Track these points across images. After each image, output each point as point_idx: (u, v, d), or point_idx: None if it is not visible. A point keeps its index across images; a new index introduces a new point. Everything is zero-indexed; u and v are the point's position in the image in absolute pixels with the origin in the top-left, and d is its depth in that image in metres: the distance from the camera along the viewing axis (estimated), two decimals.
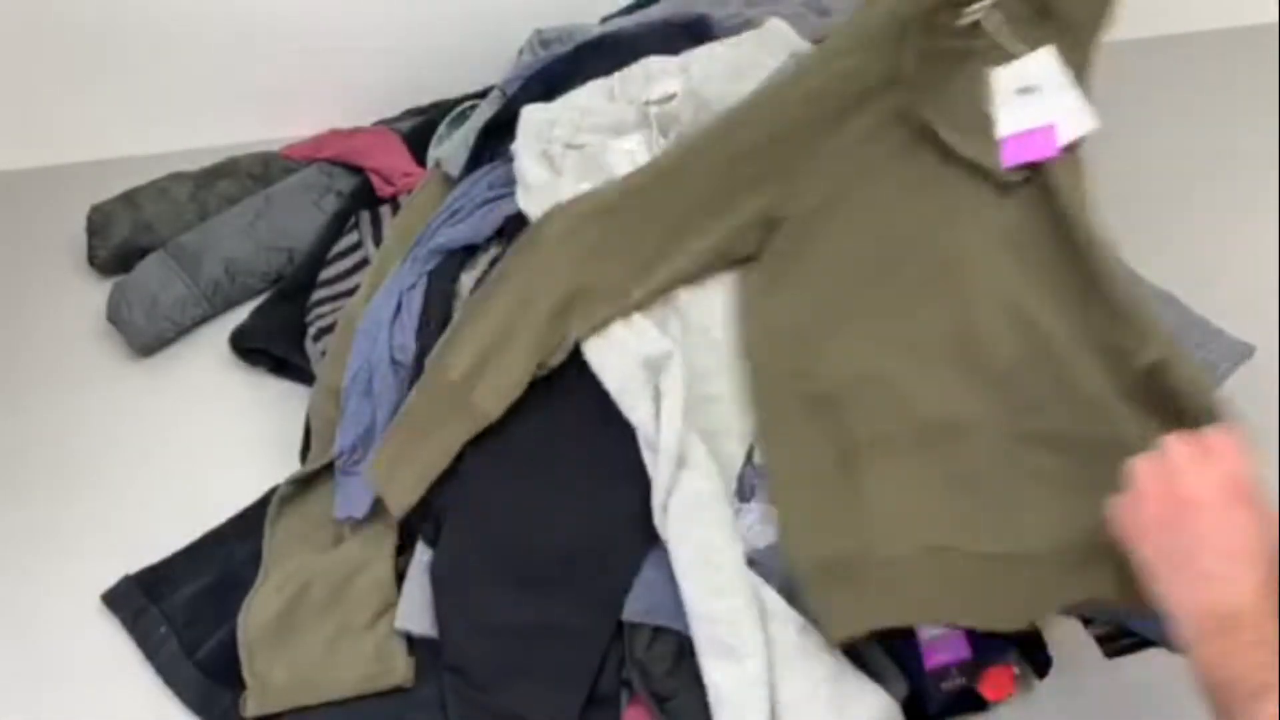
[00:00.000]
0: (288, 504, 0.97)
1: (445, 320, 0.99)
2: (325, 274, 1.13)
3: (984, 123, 0.87)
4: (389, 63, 1.33)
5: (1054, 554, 0.75)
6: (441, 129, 1.21)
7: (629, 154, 0.97)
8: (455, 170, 1.11)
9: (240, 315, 1.15)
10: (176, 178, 1.24)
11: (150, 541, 0.97)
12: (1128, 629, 0.89)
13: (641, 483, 0.88)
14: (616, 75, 1.03)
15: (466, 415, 0.87)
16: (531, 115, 1.02)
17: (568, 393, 0.92)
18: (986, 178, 0.87)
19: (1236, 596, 0.60)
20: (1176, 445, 0.66)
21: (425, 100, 1.33)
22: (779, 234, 0.90)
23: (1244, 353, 1.12)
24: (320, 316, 1.09)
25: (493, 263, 1.03)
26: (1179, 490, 0.64)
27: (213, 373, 1.12)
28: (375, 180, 1.21)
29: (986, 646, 0.85)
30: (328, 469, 0.96)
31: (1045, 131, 0.86)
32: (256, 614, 0.89)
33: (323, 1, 1.26)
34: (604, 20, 1.25)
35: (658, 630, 0.84)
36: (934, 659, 0.84)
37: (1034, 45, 0.88)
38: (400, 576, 0.90)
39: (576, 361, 0.92)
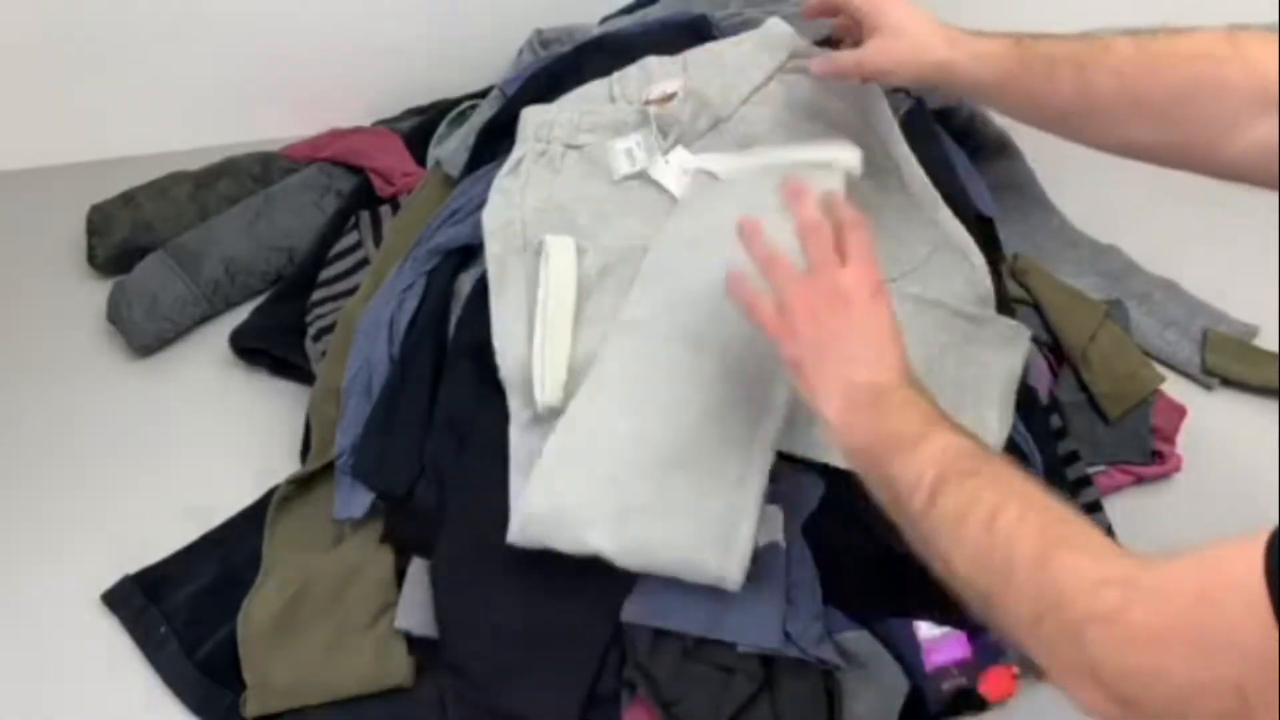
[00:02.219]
0: (288, 504, 0.97)
1: (442, 320, 0.99)
2: (325, 274, 1.13)
3: None
4: (389, 63, 1.32)
5: None
6: (441, 129, 1.21)
7: (628, 154, 0.97)
8: (455, 170, 1.11)
9: (240, 315, 1.14)
10: (176, 178, 1.24)
11: (150, 541, 0.97)
12: None
13: None
14: (616, 75, 1.03)
15: None
16: (531, 115, 1.01)
17: None
18: None
19: (886, 372, 0.69)
20: (817, 248, 0.73)
21: (425, 100, 1.33)
22: None
23: (1249, 332, 1.14)
24: (320, 316, 1.09)
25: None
26: (826, 286, 0.71)
27: (213, 373, 1.12)
28: (375, 180, 1.21)
29: (986, 646, 0.85)
30: (328, 469, 0.96)
31: None
32: (256, 614, 0.89)
33: (323, 1, 1.26)
34: (604, 20, 1.25)
35: (659, 632, 0.84)
36: (934, 659, 0.84)
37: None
38: (400, 576, 0.90)
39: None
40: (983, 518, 0.58)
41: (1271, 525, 0.47)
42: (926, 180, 0.99)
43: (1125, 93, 0.73)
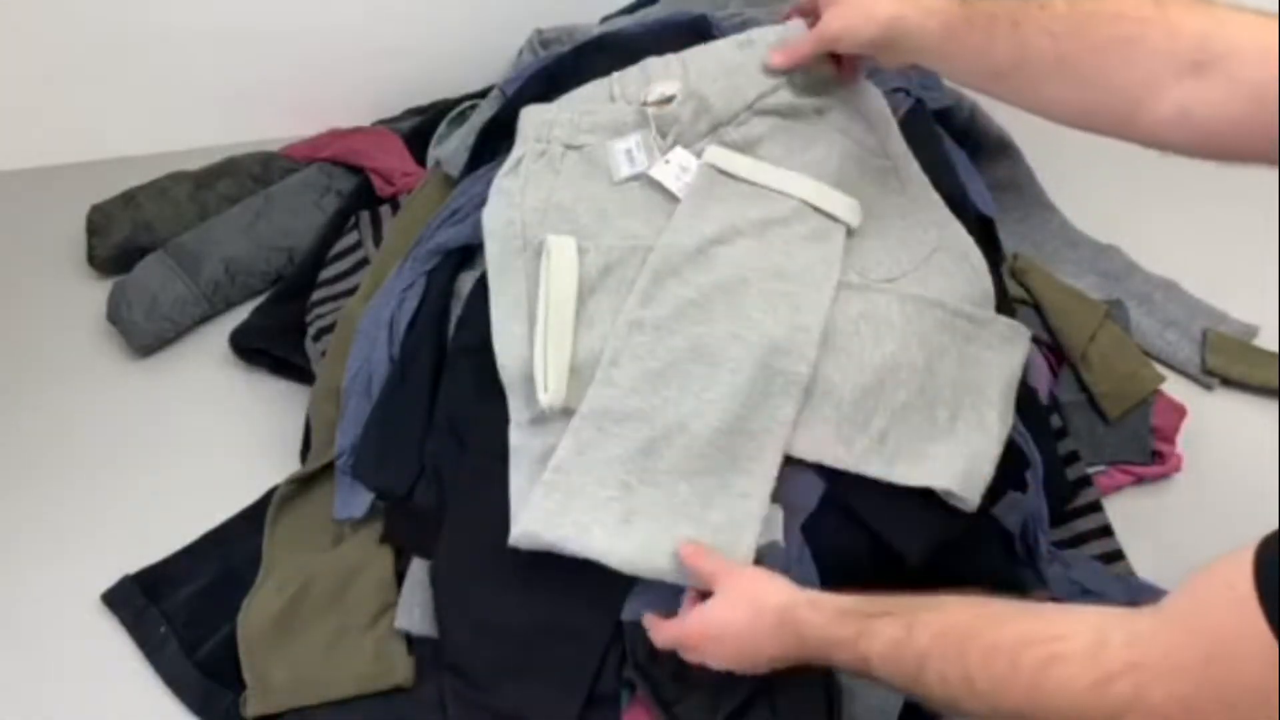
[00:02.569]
0: (288, 504, 0.97)
1: (442, 320, 0.99)
2: (325, 274, 1.13)
3: None
4: (389, 63, 1.32)
5: None
6: (441, 129, 1.21)
7: (628, 155, 0.97)
8: (455, 170, 1.11)
9: (240, 315, 1.14)
10: (176, 178, 1.24)
11: (150, 541, 0.97)
12: None
13: None
14: (616, 75, 1.03)
15: None
16: (531, 115, 1.01)
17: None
18: None
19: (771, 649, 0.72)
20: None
21: (425, 100, 1.33)
22: None
23: (1249, 332, 1.14)
24: (320, 316, 1.09)
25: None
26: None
27: (213, 373, 1.12)
28: (375, 180, 1.21)
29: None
30: (328, 469, 0.96)
31: None
32: (256, 614, 0.89)
33: (324, 2, 1.26)
34: (604, 20, 1.25)
35: None
36: None
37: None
38: (400, 576, 0.90)
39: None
40: (966, 692, 0.58)
41: (1239, 555, 0.48)
42: (926, 180, 0.99)
43: (1054, 51, 0.72)
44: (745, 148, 0.96)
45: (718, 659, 0.75)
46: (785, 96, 0.97)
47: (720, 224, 0.90)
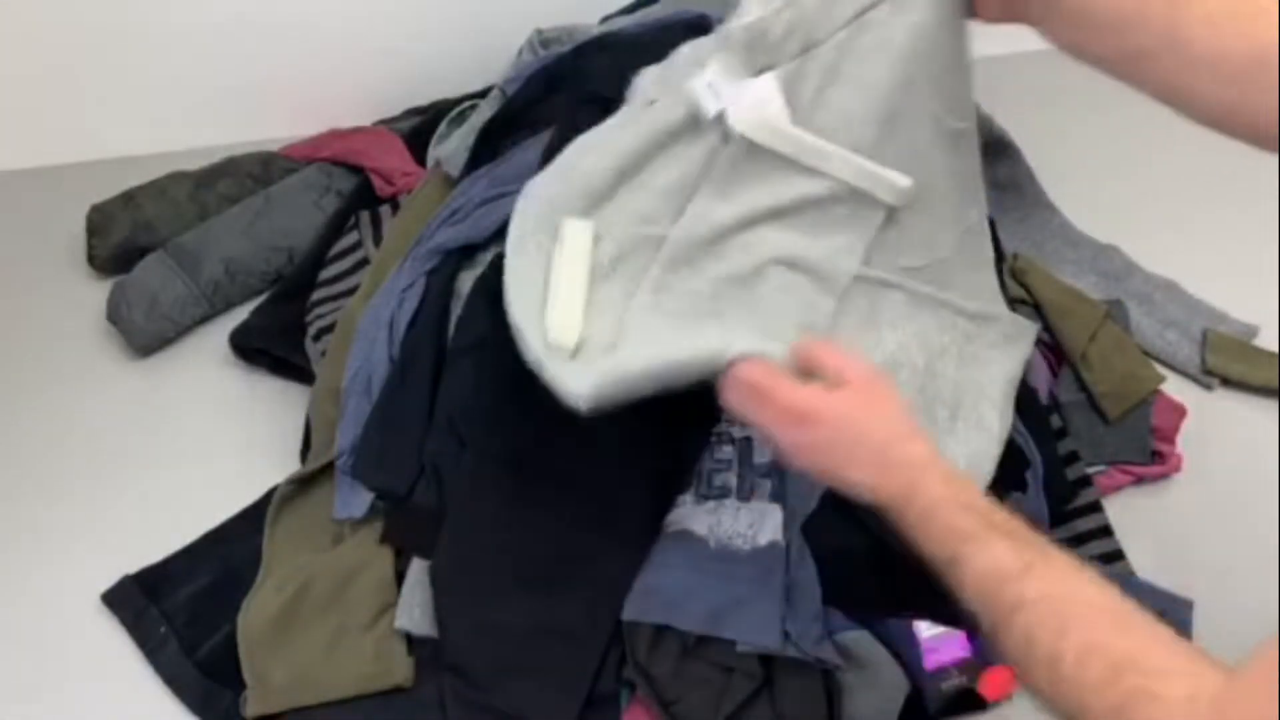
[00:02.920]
0: (288, 504, 0.97)
1: (442, 320, 0.99)
2: (325, 274, 1.13)
3: None
4: (389, 63, 1.32)
5: None
6: (441, 129, 1.21)
7: (710, 88, 0.82)
8: (455, 170, 1.11)
9: (240, 315, 1.14)
10: (176, 178, 1.24)
11: (150, 541, 0.97)
12: None
13: (642, 483, 0.89)
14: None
15: None
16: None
17: None
18: None
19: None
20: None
21: (425, 100, 1.33)
22: None
23: (1249, 332, 1.14)
24: (320, 316, 1.09)
25: (493, 262, 1.03)
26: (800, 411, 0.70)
27: (213, 373, 1.12)
28: (375, 180, 1.21)
29: (986, 646, 0.85)
30: (328, 469, 0.96)
31: None
32: (256, 614, 0.89)
33: (323, 1, 1.26)
34: (604, 20, 1.25)
35: (659, 631, 0.84)
36: (934, 659, 0.84)
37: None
38: (400, 576, 0.90)
39: None
40: (1046, 665, 0.57)
41: None
42: (976, 143, 0.91)
43: (1211, 42, 0.65)
44: (828, 83, 0.83)
45: (819, 447, 0.70)
46: (884, 14, 0.82)
47: (744, 207, 0.83)
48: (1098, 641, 0.56)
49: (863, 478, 0.69)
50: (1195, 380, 1.11)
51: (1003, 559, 0.61)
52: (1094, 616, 0.58)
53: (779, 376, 0.72)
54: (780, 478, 0.90)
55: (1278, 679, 0.48)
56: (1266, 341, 1.14)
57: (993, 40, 1.48)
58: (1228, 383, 1.11)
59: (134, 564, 0.96)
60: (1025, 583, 0.59)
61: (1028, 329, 0.94)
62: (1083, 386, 1.05)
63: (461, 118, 1.20)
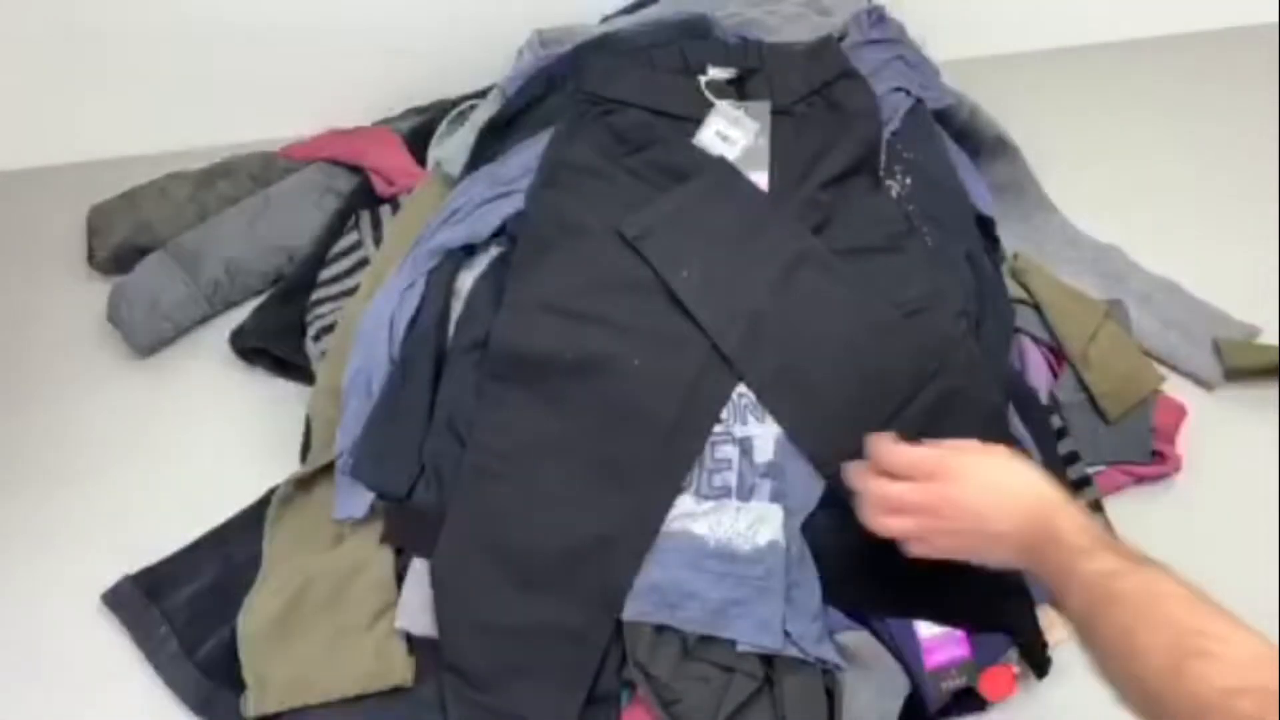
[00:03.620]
0: (288, 504, 0.97)
1: (442, 320, 0.99)
2: (325, 274, 1.13)
3: None
4: (389, 63, 1.32)
5: None
6: (441, 129, 1.21)
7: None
8: (455, 170, 1.11)
9: (240, 315, 1.14)
10: (176, 178, 1.24)
11: (150, 541, 0.97)
12: None
13: (641, 483, 0.89)
14: None
15: None
16: None
17: (568, 395, 0.92)
18: None
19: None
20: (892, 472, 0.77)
21: (425, 100, 1.33)
22: None
23: (1250, 333, 1.14)
24: (320, 316, 1.09)
25: (493, 262, 1.03)
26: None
27: (213, 373, 1.12)
28: (375, 180, 1.21)
29: (986, 646, 0.85)
30: (328, 469, 0.96)
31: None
32: (256, 614, 0.89)
33: (323, 2, 1.26)
34: (604, 20, 1.25)
35: (659, 631, 0.84)
36: (934, 659, 0.84)
37: None
38: (400, 576, 0.90)
39: (576, 364, 0.92)
40: (1125, 641, 0.60)
41: None
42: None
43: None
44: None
45: (955, 539, 0.75)
46: None
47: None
48: (1171, 614, 0.59)
49: (1004, 528, 0.73)
50: (1196, 380, 1.11)
51: (1108, 564, 0.65)
52: (1173, 597, 0.61)
53: (880, 483, 0.78)
54: (780, 477, 0.90)
55: None
56: (1266, 341, 1.14)
57: (993, 40, 1.49)
58: (1231, 380, 1.10)
59: (134, 564, 0.95)
60: (1124, 579, 0.63)
61: None
62: (1083, 386, 1.05)
63: (461, 118, 1.20)
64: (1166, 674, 0.56)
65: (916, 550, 0.76)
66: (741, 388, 0.93)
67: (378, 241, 1.14)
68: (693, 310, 0.94)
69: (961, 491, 0.74)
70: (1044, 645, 0.86)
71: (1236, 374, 1.10)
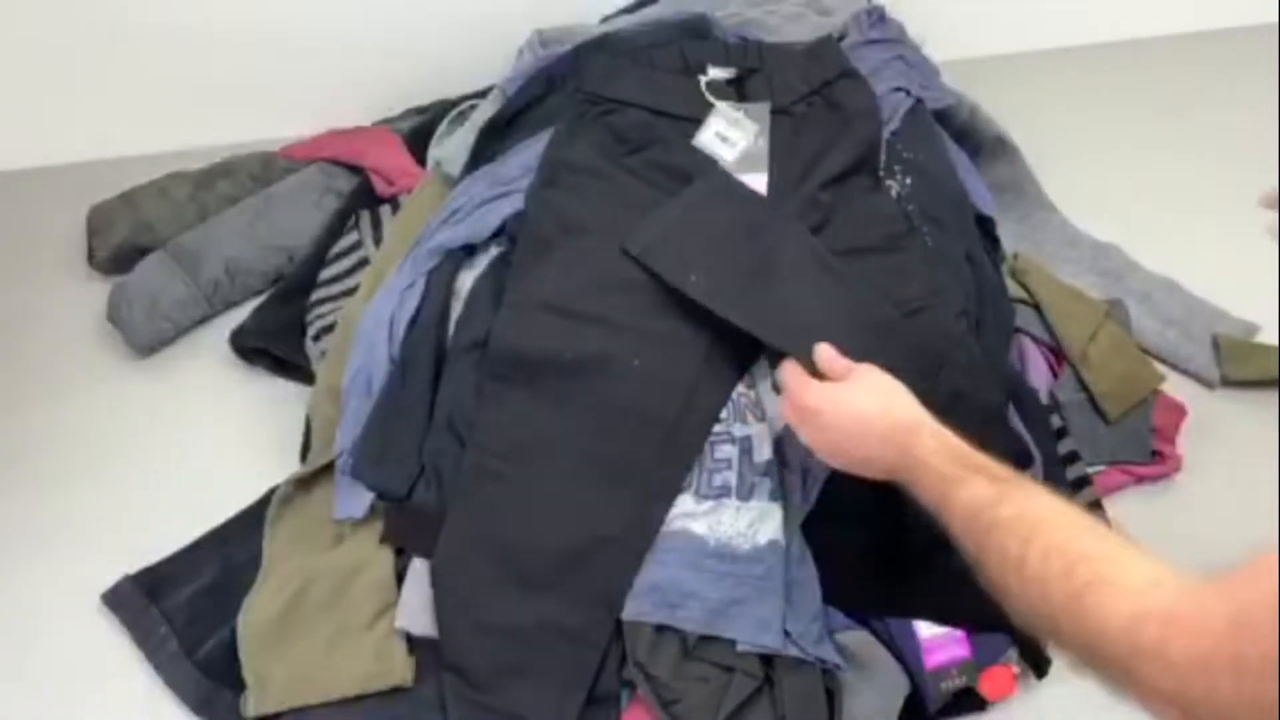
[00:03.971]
0: (288, 504, 0.97)
1: (442, 320, 0.99)
2: (325, 274, 1.13)
3: None
4: (389, 63, 1.33)
5: None
6: (441, 129, 1.21)
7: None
8: (455, 170, 1.11)
9: (240, 315, 1.14)
10: (176, 178, 1.24)
11: (150, 541, 0.97)
12: None
13: (640, 483, 0.88)
14: None
15: None
16: None
17: (567, 394, 0.92)
18: None
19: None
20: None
21: (425, 100, 1.33)
22: None
23: (1249, 330, 1.14)
24: (320, 316, 1.09)
25: (493, 262, 1.03)
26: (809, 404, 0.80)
27: (213, 373, 1.12)
28: (375, 180, 1.21)
29: (986, 646, 0.85)
30: (328, 469, 0.96)
31: None
32: (256, 614, 0.89)
33: (323, 2, 1.26)
34: (604, 20, 1.25)
35: (659, 631, 0.84)
36: (934, 659, 0.84)
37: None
38: (400, 576, 0.90)
39: (575, 363, 0.92)
40: (1015, 571, 0.60)
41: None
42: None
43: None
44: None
45: (829, 436, 0.79)
46: None
47: None
48: (1059, 541, 0.59)
49: (868, 453, 0.77)
50: (1196, 378, 1.11)
51: (980, 491, 0.66)
52: (1059, 522, 0.61)
53: (800, 378, 0.82)
54: (780, 477, 0.90)
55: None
56: (1266, 340, 1.14)
57: (993, 40, 1.49)
58: (1242, 383, 1.10)
59: (134, 564, 0.95)
60: (1000, 507, 0.64)
61: None
62: (1083, 386, 1.05)
63: (461, 118, 1.20)
64: (1063, 603, 0.56)
65: (817, 450, 0.80)
66: (741, 387, 0.93)
67: (378, 241, 1.14)
68: (714, 308, 0.93)
69: (848, 394, 0.79)
70: (1044, 645, 0.86)
71: (1234, 380, 1.10)
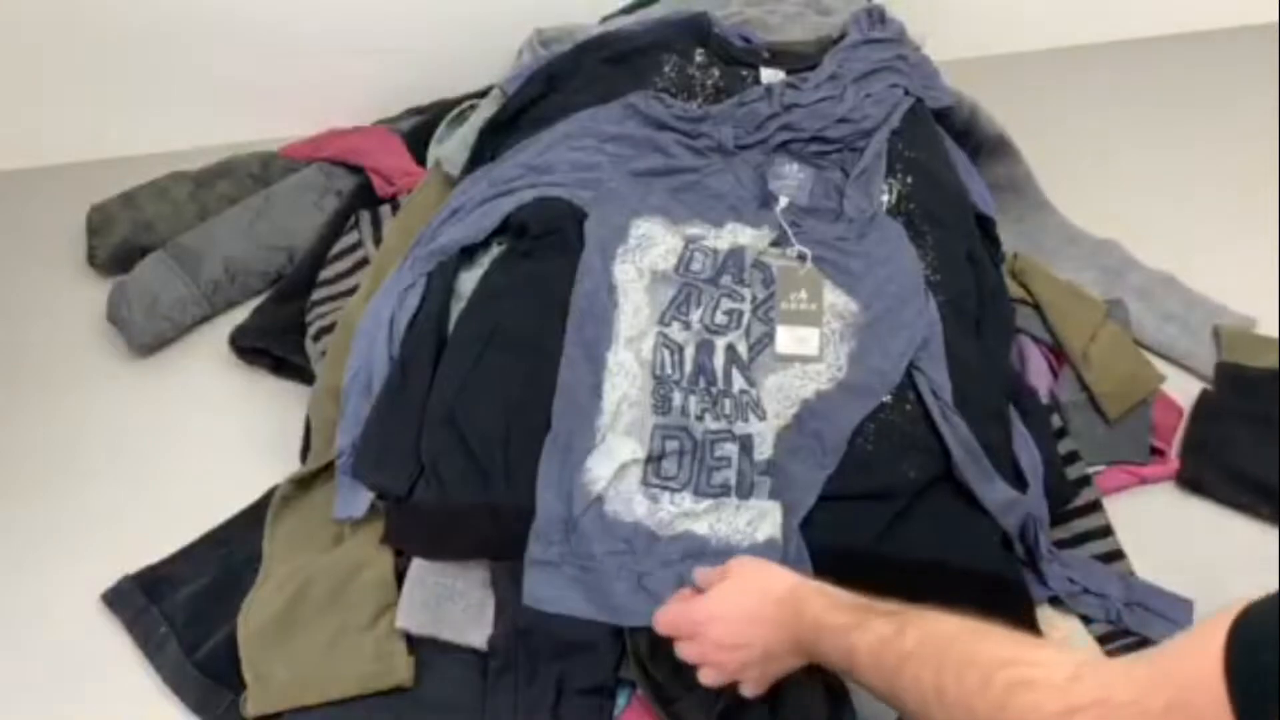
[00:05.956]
0: (288, 504, 0.97)
1: (442, 320, 0.99)
2: (325, 274, 1.13)
3: None
4: (389, 63, 1.33)
5: None
6: (441, 129, 1.21)
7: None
8: (455, 170, 1.11)
9: (240, 315, 1.14)
10: (176, 178, 1.24)
11: (150, 541, 0.97)
12: (1127, 628, 0.89)
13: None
14: None
15: None
16: None
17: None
18: None
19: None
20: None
21: (425, 100, 1.33)
22: None
23: (1247, 324, 1.14)
24: (320, 316, 1.09)
25: (493, 262, 1.03)
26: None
27: (213, 373, 1.12)
28: (375, 180, 1.21)
29: None
30: (328, 469, 0.96)
31: None
32: (256, 614, 0.89)
33: (323, 2, 1.26)
34: (604, 20, 1.25)
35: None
36: None
37: None
38: (400, 576, 0.90)
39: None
40: (936, 701, 0.59)
41: (1224, 617, 0.48)
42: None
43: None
44: None
45: (718, 641, 0.74)
46: None
47: None
48: (970, 654, 0.58)
49: (767, 645, 0.73)
50: (1195, 373, 1.11)
51: (880, 630, 0.65)
52: (965, 638, 0.60)
53: (678, 606, 0.77)
54: (780, 475, 0.90)
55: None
56: (1265, 334, 1.14)
57: (993, 40, 1.48)
58: (1242, 377, 1.10)
59: (134, 564, 0.96)
60: (903, 638, 0.63)
61: None
62: (1083, 386, 1.05)
63: (461, 118, 1.20)
64: (989, 714, 0.55)
65: (711, 677, 0.75)
66: (743, 385, 0.93)
67: (378, 241, 1.14)
68: None
69: (722, 593, 0.75)
70: None
71: (1232, 370, 1.09)
